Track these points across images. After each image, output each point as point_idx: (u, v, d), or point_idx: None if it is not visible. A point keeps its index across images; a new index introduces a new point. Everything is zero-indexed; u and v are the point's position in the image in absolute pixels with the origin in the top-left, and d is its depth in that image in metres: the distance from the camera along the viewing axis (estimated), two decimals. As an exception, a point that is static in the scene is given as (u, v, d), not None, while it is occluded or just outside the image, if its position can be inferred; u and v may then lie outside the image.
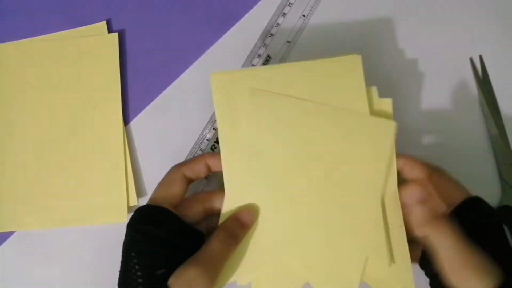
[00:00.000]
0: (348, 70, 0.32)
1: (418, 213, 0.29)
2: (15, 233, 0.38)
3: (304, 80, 0.32)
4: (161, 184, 0.33)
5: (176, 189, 0.32)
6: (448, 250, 0.27)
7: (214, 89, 0.32)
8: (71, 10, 0.42)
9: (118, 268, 0.37)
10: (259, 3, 0.42)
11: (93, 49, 0.40)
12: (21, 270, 0.38)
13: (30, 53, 0.41)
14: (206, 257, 0.29)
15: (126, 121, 0.40)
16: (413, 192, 0.30)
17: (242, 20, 0.42)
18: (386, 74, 0.40)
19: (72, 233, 0.38)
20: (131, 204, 0.38)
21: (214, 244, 0.29)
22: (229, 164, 0.31)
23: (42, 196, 0.38)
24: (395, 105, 0.33)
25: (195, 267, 0.28)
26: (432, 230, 0.28)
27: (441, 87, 0.40)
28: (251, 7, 0.42)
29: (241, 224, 0.31)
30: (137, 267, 0.29)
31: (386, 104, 0.32)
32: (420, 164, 0.31)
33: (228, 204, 0.32)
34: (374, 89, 0.33)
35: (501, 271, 0.26)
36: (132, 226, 0.31)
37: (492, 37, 0.40)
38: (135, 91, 0.41)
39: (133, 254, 0.30)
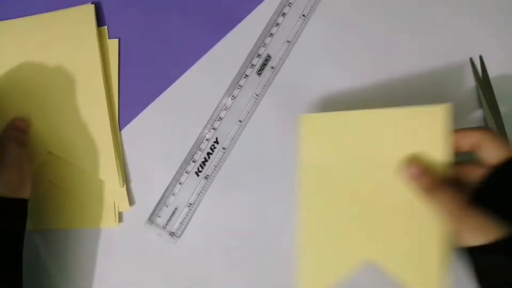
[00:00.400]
0: (432, 121, 0.32)
1: (418, 187, 0.32)
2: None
3: (384, 128, 0.34)
4: None
5: None
6: (448, 212, 0.30)
7: (304, 128, 0.35)
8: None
9: (116, 269, 0.37)
10: (261, 4, 0.42)
11: (91, 53, 0.40)
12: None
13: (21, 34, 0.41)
14: (13, 160, 0.35)
15: (122, 124, 0.40)
16: (409, 169, 0.32)
17: (243, 22, 0.42)
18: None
19: (72, 233, 0.38)
20: (121, 210, 0.39)
21: (13, 151, 0.35)
22: (306, 186, 0.35)
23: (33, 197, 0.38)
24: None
25: (11, 171, 0.34)
26: (431, 199, 0.31)
27: (441, 87, 0.40)
28: (252, 9, 0.42)
29: (22, 131, 0.38)
30: None
31: (114, 44, 0.40)
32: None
33: (307, 217, 0.35)
34: (105, 29, 0.40)
35: (507, 227, 0.28)
36: None
37: (493, 36, 0.40)
38: (132, 94, 0.41)
39: None
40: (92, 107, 0.39)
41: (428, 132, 0.32)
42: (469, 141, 0.32)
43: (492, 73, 0.39)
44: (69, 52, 0.40)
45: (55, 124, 0.39)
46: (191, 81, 0.41)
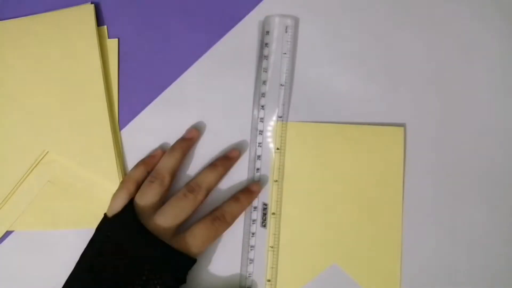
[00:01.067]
0: (389, 141, 0.39)
1: None
2: (13, 232, 0.38)
3: (349, 141, 0.39)
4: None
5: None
6: None
7: (288, 134, 0.39)
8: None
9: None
10: (259, 5, 0.42)
11: (91, 53, 0.40)
12: (18, 270, 0.38)
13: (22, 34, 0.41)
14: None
15: (121, 124, 0.40)
16: None
17: (242, 21, 0.42)
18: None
19: (71, 233, 0.38)
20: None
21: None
22: (287, 191, 0.39)
23: (32, 197, 0.38)
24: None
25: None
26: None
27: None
28: (252, 9, 0.42)
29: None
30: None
31: (113, 43, 0.40)
32: None
33: (286, 221, 0.38)
34: (104, 29, 0.40)
35: None
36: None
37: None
38: (130, 95, 0.41)
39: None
40: (92, 106, 0.39)
41: (387, 147, 0.38)
42: None
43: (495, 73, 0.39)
44: (69, 52, 0.40)
45: (54, 123, 0.39)
46: (191, 80, 0.41)
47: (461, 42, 0.41)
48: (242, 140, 0.40)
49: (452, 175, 0.39)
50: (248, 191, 0.37)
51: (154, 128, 0.40)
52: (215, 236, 0.36)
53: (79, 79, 0.40)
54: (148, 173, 0.37)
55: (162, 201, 0.36)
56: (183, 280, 0.34)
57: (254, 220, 0.38)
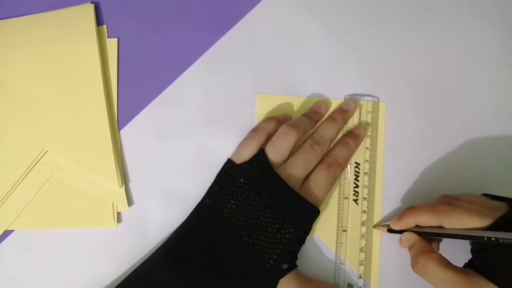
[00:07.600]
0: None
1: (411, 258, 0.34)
2: (13, 232, 0.38)
3: None
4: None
5: None
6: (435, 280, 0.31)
7: (259, 106, 0.40)
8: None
9: (115, 270, 0.37)
10: (259, 4, 0.42)
11: (91, 52, 0.40)
12: (18, 269, 0.38)
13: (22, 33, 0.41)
14: None
15: (121, 124, 0.40)
16: (404, 241, 0.34)
17: (242, 20, 0.42)
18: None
19: (71, 233, 0.38)
20: (120, 210, 0.38)
21: None
22: None
23: (31, 197, 0.38)
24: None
25: None
26: (418, 270, 0.32)
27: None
28: (251, 8, 0.42)
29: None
30: (275, 256, 0.33)
31: (113, 43, 0.40)
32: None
33: None
34: (104, 28, 0.41)
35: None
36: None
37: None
38: (130, 95, 0.40)
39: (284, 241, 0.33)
40: (91, 106, 0.39)
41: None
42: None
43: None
44: (68, 51, 0.40)
45: (53, 123, 0.39)
46: (190, 80, 0.41)
47: (461, 42, 0.41)
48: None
49: (449, 175, 0.38)
50: (353, 134, 0.38)
51: (153, 128, 0.40)
52: (333, 182, 0.37)
53: (79, 78, 0.40)
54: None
55: (289, 155, 0.36)
56: (308, 232, 0.35)
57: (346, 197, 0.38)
